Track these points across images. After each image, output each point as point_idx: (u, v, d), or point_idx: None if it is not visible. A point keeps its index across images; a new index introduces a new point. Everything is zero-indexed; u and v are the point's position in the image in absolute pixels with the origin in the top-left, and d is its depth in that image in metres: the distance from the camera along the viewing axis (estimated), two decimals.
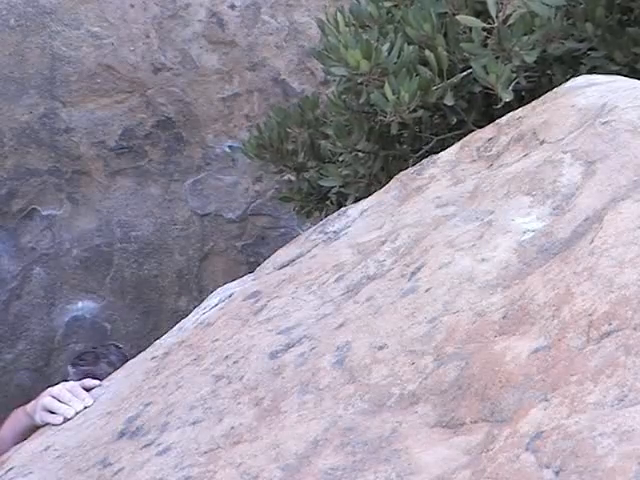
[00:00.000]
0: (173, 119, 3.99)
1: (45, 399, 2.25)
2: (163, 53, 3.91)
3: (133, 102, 3.94)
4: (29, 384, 4.08)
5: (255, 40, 3.98)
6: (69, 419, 2.18)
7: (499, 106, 2.39)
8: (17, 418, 2.37)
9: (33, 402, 2.29)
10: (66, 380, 2.55)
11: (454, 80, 2.52)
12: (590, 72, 2.47)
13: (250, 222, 4.08)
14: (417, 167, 2.31)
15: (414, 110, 2.50)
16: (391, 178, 2.39)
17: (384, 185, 2.39)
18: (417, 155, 2.68)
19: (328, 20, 2.71)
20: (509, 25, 2.40)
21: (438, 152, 2.33)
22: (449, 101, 2.53)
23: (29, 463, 2.05)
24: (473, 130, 2.34)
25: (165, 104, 3.96)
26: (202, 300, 2.46)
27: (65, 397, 2.23)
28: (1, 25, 3.83)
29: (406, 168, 2.40)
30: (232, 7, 3.96)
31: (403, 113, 2.48)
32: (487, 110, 2.64)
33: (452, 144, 2.33)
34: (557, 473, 1.34)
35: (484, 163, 2.16)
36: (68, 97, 3.90)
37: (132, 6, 3.88)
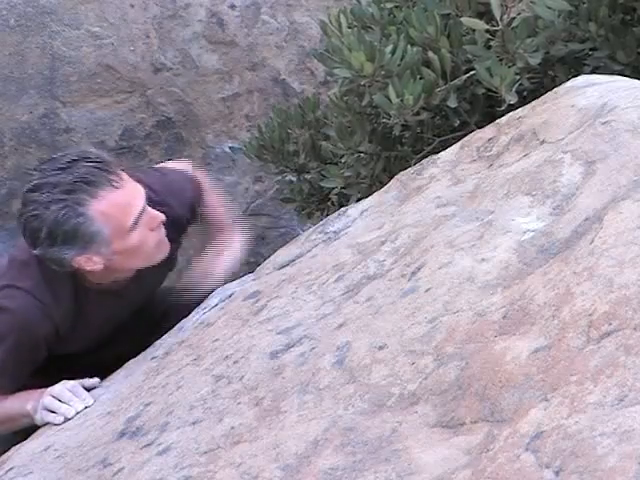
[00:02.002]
0: (173, 119, 3.99)
1: (46, 398, 2.24)
2: (163, 53, 3.91)
3: (133, 102, 3.94)
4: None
5: (255, 40, 3.98)
6: (70, 419, 2.18)
7: (502, 108, 2.39)
8: (19, 410, 2.36)
9: (34, 403, 2.29)
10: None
11: (457, 82, 2.52)
12: (593, 72, 2.47)
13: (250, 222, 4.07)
14: (417, 167, 2.31)
15: (417, 113, 2.50)
16: (391, 178, 2.39)
17: (384, 185, 2.39)
18: (419, 156, 2.68)
19: (331, 21, 2.71)
20: (513, 27, 2.40)
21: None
22: (452, 103, 2.53)
23: (29, 463, 2.05)
24: (474, 130, 2.34)
25: (165, 104, 3.96)
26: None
27: (65, 397, 2.22)
28: (1, 25, 3.83)
29: (407, 168, 2.40)
30: (232, 7, 3.96)
31: (407, 115, 2.48)
32: (489, 112, 2.64)
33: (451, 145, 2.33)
34: (557, 473, 1.34)
35: (484, 163, 2.16)
36: (68, 97, 3.90)
37: (132, 6, 3.88)
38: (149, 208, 2.33)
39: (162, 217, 2.35)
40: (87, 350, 2.54)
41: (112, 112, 3.96)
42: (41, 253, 2.30)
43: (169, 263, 2.53)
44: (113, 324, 2.52)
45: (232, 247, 2.71)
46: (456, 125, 2.68)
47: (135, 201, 2.29)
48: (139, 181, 2.34)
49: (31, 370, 2.42)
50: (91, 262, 2.30)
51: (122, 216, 2.27)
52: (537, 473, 1.36)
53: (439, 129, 2.75)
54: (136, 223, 2.29)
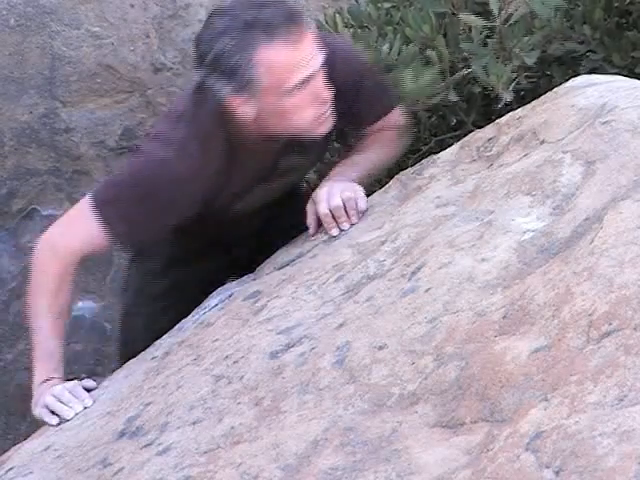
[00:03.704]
0: None
1: (47, 398, 2.24)
2: (163, 53, 3.90)
3: (133, 102, 3.94)
4: (29, 384, 4.08)
5: None
6: (68, 420, 2.18)
7: (499, 106, 2.39)
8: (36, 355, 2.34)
9: (37, 395, 2.28)
10: None
11: (456, 77, 2.52)
12: (589, 74, 2.47)
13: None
14: (417, 167, 2.31)
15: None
16: (391, 178, 2.39)
17: (384, 184, 2.39)
18: (415, 155, 2.68)
19: (327, 21, 2.71)
20: (510, 25, 2.41)
21: (437, 153, 2.34)
22: (453, 97, 2.53)
23: (29, 463, 2.05)
24: (472, 131, 2.35)
25: (165, 104, 3.96)
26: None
27: (65, 398, 2.22)
28: (1, 25, 3.82)
29: (405, 168, 2.40)
30: None
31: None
32: (487, 110, 2.65)
33: (451, 145, 2.33)
34: (557, 473, 1.34)
35: (484, 163, 2.16)
36: (68, 97, 3.90)
37: (132, 6, 3.87)
38: (319, 81, 2.21)
39: (329, 95, 2.23)
40: (229, 231, 2.50)
41: (112, 112, 3.96)
42: (200, 79, 2.25)
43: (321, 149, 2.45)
44: (259, 194, 2.45)
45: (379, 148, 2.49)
46: (453, 124, 2.68)
47: (305, 66, 2.18)
48: (326, 48, 2.25)
49: (149, 232, 2.36)
50: (241, 108, 2.22)
51: (285, 74, 2.17)
52: (537, 473, 1.36)
53: (436, 128, 2.75)
54: (296, 89, 2.19)
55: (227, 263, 2.63)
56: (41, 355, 2.33)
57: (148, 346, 2.36)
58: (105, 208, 2.31)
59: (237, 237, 2.60)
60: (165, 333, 2.45)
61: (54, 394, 2.24)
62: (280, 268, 2.27)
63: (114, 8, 3.89)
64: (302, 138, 2.30)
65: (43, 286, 2.32)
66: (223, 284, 2.41)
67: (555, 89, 2.18)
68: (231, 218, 2.47)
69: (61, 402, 2.22)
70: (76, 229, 2.34)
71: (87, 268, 4.05)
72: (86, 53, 3.89)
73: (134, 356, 2.37)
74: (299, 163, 2.47)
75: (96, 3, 3.88)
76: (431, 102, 2.51)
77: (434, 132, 2.74)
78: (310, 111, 2.23)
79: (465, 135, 2.32)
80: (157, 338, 2.38)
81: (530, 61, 2.41)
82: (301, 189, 2.67)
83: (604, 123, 1.92)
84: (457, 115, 2.66)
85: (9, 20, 3.86)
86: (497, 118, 2.28)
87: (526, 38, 2.41)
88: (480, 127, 2.31)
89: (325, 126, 2.28)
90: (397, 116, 2.49)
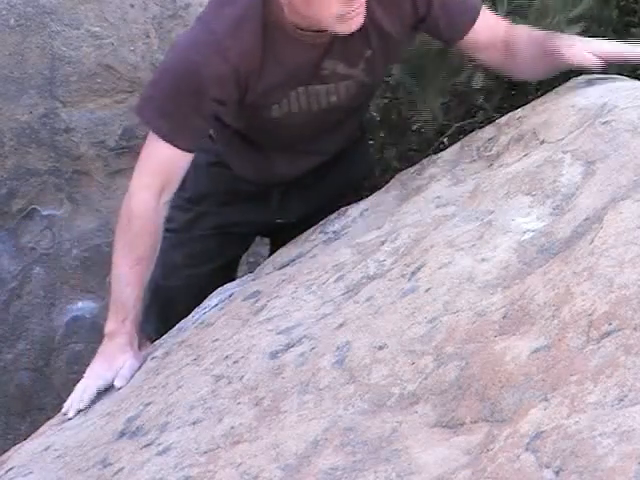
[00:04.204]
0: None
1: (81, 381, 2.24)
2: (163, 53, 3.90)
3: (133, 102, 3.93)
4: (29, 384, 4.08)
5: None
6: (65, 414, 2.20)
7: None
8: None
9: (101, 346, 2.30)
10: None
11: None
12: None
13: None
14: (417, 167, 2.31)
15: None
16: (391, 178, 2.39)
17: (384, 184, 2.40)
18: (437, 142, 2.68)
19: None
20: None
21: (457, 139, 2.33)
22: (477, 84, 2.50)
23: (29, 463, 2.05)
24: (493, 116, 2.33)
25: None
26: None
27: (74, 395, 2.22)
28: (1, 25, 3.82)
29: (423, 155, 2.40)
30: None
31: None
32: (511, 96, 2.63)
33: (472, 129, 2.31)
34: (557, 473, 1.34)
35: (484, 163, 2.16)
36: (68, 97, 3.90)
37: (132, 6, 3.87)
38: None
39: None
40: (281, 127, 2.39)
41: (112, 112, 3.96)
42: None
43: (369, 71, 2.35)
44: (300, 101, 2.35)
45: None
46: (474, 107, 2.66)
47: None
48: None
49: (194, 125, 2.27)
50: None
51: None
52: (537, 473, 1.36)
53: (454, 112, 2.73)
54: None
55: (254, 217, 2.57)
56: (113, 303, 2.30)
57: (163, 276, 2.48)
58: (146, 112, 2.28)
59: (278, 178, 2.51)
60: (176, 268, 2.55)
61: (78, 385, 2.23)
62: (280, 268, 2.27)
63: (114, 8, 3.89)
64: (333, 33, 2.21)
65: (121, 232, 2.28)
66: (241, 243, 2.45)
67: (555, 89, 2.19)
68: (275, 139, 2.41)
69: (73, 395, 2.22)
70: (140, 163, 2.33)
71: (87, 268, 4.05)
72: (86, 53, 3.89)
73: (155, 285, 2.43)
74: (345, 73, 2.34)
75: (96, 3, 3.88)
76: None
77: (454, 117, 2.70)
78: (335, 6, 2.14)
79: (486, 119, 2.31)
80: (171, 271, 2.47)
81: (572, 31, 2.40)
82: (361, 145, 2.51)
83: (604, 123, 1.92)
84: (480, 95, 2.62)
85: (9, 20, 3.86)
86: (519, 107, 2.25)
87: (564, 14, 2.40)
88: (502, 111, 2.30)
89: (351, 25, 2.17)
90: (490, 18, 2.36)
